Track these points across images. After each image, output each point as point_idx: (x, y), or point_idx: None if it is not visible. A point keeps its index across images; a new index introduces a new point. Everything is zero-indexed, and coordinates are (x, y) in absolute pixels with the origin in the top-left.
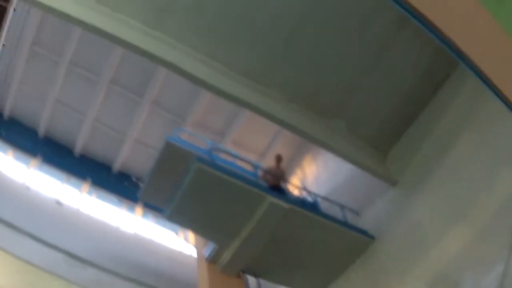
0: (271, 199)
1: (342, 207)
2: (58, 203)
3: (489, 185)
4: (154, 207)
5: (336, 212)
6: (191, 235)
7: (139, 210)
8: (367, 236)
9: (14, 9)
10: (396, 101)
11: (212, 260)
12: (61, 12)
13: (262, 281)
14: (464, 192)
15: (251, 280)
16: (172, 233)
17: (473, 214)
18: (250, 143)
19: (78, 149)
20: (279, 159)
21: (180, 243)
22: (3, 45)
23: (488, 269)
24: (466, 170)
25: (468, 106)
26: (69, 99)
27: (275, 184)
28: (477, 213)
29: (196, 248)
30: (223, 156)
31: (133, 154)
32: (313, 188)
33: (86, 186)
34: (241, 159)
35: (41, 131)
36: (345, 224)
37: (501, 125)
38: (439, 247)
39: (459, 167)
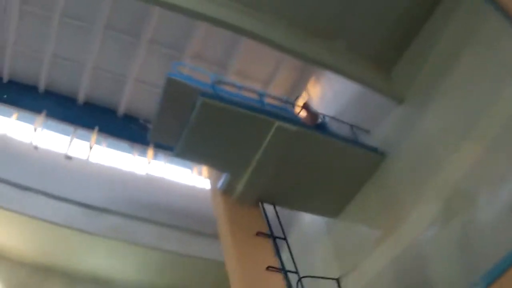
0: (278, 123)
1: (351, 126)
2: (68, 157)
3: (496, 96)
4: (165, 147)
5: (345, 132)
6: (204, 170)
7: (150, 152)
8: (378, 153)
9: None
10: (395, 17)
11: (227, 191)
12: None
13: (279, 209)
14: (472, 104)
15: (269, 208)
16: (187, 170)
17: (483, 125)
18: (253, 72)
19: (81, 98)
20: (306, 107)
21: (195, 179)
22: None
23: (503, 181)
24: (472, 82)
25: (470, 17)
26: (66, 51)
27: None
28: (487, 124)
29: (210, 180)
30: (227, 87)
31: (136, 95)
32: (320, 109)
33: (94, 136)
34: (245, 89)
35: (42, 87)
36: (355, 142)
37: (505, 34)
38: (452, 162)
39: (465, 80)
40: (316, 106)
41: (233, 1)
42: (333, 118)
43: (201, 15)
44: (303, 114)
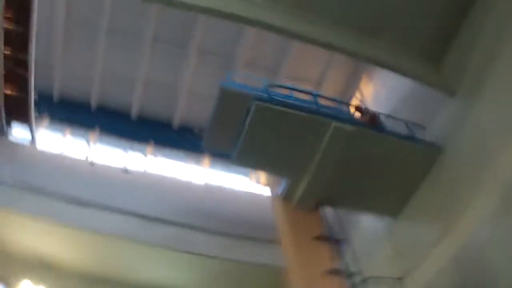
0: (335, 124)
1: (406, 122)
2: (125, 170)
3: None
4: (221, 155)
5: (401, 129)
6: (262, 176)
7: (206, 161)
8: (435, 148)
9: None
10: (440, 8)
11: (286, 197)
12: None
13: (339, 211)
14: None
15: (329, 211)
16: (244, 177)
17: None
18: (304, 74)
19: (134, 112)
20: (359, 109)
21: (253, 186)
22: (37, 30)
23: None
24: None
25: None
26: (115, 66)
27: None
28: None
29: (269, 187)
30: (280, 91)
31: (190, 106)
32: (374, 108)
33: (150, 148)
34: (298, 91)
35: (94, 103)
36: (411, 138)
37: None
38: (509, 154)
39: None
40: (370, 104)
41: (278, 3)
42: (388, 115)
43: (247, 19)
44: (359, 115)
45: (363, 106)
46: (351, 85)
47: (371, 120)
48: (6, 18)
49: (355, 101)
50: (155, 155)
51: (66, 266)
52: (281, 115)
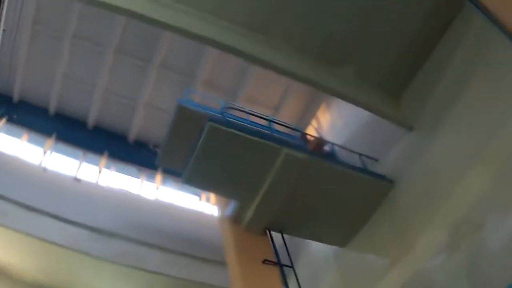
0: (287, 150)
1: (360, 154)
2: (77, 179)
3: (505, 125)
4: (174, 173)
5: (354, 160)
6: (213, 196)
7: (159, 177)
8: (387, 181)
9: None
10: (404, 44)
11: (235, 219)
12: None
13: (287, 237)
14: (480, 132)
15: (276, 236)
16: (195, 197)
17: (491, 153)
18: (262, 98)
19: (91, 122)
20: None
21: (203, 206)
22: (4, 30)
23: (511, 208)
24: (480, 110)
25: (478, 44)
26: (77, 73)
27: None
28: (494, 152)
29: (218, 208)
30: (237, 114)
31: (147, 121)
32: (329, 137)
33: (103, 160)
34: (254, 115)
35: (52, 109)
36: (363, 170)
37: None
38: (459, 189)
39: (474, 106)
40: (326, 134)
41: (243, 27)
42: (341, 147)
43: (211, 40)
44: (310, 140)
45: (311, 134)
46: (309, 112)
47: (317, 147)
48: None
49: (310, 129)
50: (108, 167)
51: (14, 273)
52: (234, 137)
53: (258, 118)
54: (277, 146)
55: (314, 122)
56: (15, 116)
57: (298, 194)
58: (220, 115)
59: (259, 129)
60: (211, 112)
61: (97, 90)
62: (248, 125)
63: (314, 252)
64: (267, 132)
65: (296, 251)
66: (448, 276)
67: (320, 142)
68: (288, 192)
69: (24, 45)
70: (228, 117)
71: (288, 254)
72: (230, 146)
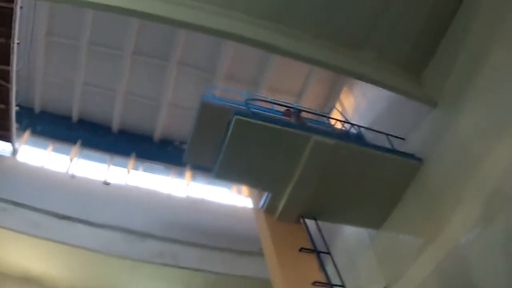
0: (316, 137)
1: (387, 134)
2: (106, 183)
3: None
4: (203, 168)
5: (381, 141)
6: (244, 188)
7: (188, 174)
8: (416, 159)
9: (21, 7)
10: (421, 21)
11: (268, 209)
12: None
13: (321, 223)
14: (505, 101)
15: (311, 223)
16: (226, 190)
17: None
18: (284, 86)
19: (115, 125)
20: (288, 114)
21: (235, 199)
22: (18, 43)
23: None
24: (503, 78)
25: (495, 10)
26: (96, 79)
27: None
28: None
29: (251, 200)
30: (261, 104)
31: (171, 119)
32: (355, 120)
33: (131, 161)
34: (279, 104)
35: (75, 116)
36: (392, 150)
37: None
38: (489, 162)
39: (496, 76)
40: (351, 117)
41: (260, 18)
42: (367, 128)
43: (229, 34)
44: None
45: (291, 107)
46: (332, 97)
47: (298, 119)
48: None
49: (335, 113)
50: (136, 168)
51: (51, 282)
52: (261, 128)
53: (283, 107)
54: (305, 134)
55: (338, 106)
56: (38, 128)
57: (329, 179)
58: (245, 107)
59: (286, 118)
60: (236, 105)
61: (118, 94)
62: (274, 115)
63: (349, 236)
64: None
65: (331, 237)
66: (484, 250)
67: (299, 114)
68: (319, 179)
69: (40, 57)
70: (253, 109)
71: (324, 240)
72: (257, 137)
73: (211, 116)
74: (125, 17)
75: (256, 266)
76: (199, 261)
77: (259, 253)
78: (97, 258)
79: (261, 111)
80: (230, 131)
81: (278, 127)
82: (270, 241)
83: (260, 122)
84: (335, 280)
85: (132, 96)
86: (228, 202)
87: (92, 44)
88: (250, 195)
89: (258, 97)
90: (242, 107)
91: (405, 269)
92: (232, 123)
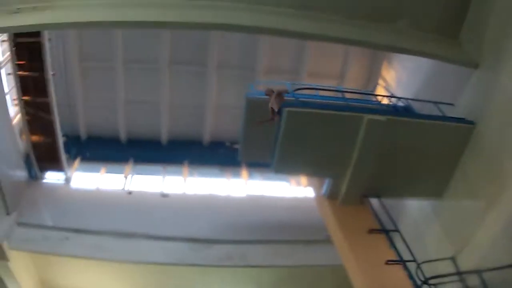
0: (368, 116)
1: (434, 102)
2: (163, 195)
3: None
4: (258, 164)
5: (429, 110)
6: (303, 179)
7: (244, 172)
8: (467, 123)
9: (49, 39)
10: None
11: (331, 195)
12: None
13: (384, 201)
14: None
15: (374, 202)
16: (285, 183)
17: None
18: (324, 70)
19: (164, 137)
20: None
21: (294, 190)
22: (53, 74)
23: None
24: None
25: None
26: (137, 96)
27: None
28: None
29: (312, 188)
30: (305, 92)
31: (218, 121)
32: (399, 93)
33: (185, 169)
34: (323, 89)
35: (123, 136)
36: (443, 117)
37: None
38: None
39: None
40: (395, 90)
41: (290, 8)
42: (414, 99)
43: (262, 29)
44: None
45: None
46: (373, 74)
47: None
48: (19, 65)
49: (380, 90)
50: (191, 175)
51: None
52: (313, 117)
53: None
54: (357, 115)
55: (381, 82)
56: (87, 153)
57: (386, 156)
58: (292, 98)
59: (334, 102)
60: None
61: (162, 106)
62: (322, 101)
63: (412, 210)
64: (343, 103)
65: (395, 214)
66: None
67: (279, 93)
68: (376, 157)
69: (77, 84)
70: (301, 98)
71: (391, 218)
72: (310, 125)
73: (259, 112)
74: (155, 30)
75: (324, 254)
76: (268, 257)
77: (326, 241)
78: (166, 271)
79: (308, 99)
80: (282, 124)
81: (329, 112)
82: (337, 226)
83: (310, 110)
84: (405, 256)
85: (176, 106)
86: (288, 195)
87: (127, 62)
88: (311, 184)
89: (302, 86)
90: (289, 98)
91: (471, 235)
92: (284, 116)
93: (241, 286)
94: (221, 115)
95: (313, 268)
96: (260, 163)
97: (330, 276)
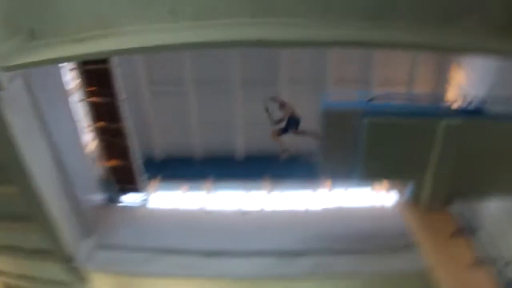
0: (445, 121)
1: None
2: (243, 213)
3: None
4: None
5: (503, 108)
6: (383, 186)
7: (324, 183)
8: None
9: (118, 64)
10: None
11: (413, 200)
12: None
13: (467, 202)
14: None
15: (457, 205)
16: (364, 190)
17: None
18: (393, 76)
19: (239, 154)
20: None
21: (376, 198)
22: (124, 99)
23: None
24: None
25: None
26: (210, 117)
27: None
28: None
29: (394, 195)
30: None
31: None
32: (471, 93)
33: (265, 184)
34: (397, 97)
35: (198, 154)
36: None
37: None
38: None
39: None
40: (466, 91)
41: (351, 19)
42: (487, 99)
43: (335, 42)
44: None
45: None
46: (442, 76)
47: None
48: (89, 92)
49: (451, 92)
50: (269, 191)
51: None
52: (392, 125)
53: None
54: (435, 120)
55: (451, 84)
56: (164, 173)
57: (465, 158)
58: (370, 108)
59: (410, 109)
60: (357, 107)
61: (237, 124)
62: (399, 109)
63: (495, 210)
64: (419, 109)
65: (479, 214)
66: None
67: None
68: (456, 159)
69: (149, 107)
70: (378, 107)
71: (473, 220)
72: (390, 133)
73: (336, 122)
74: (222, 50)
75: (409, 259)
76: (354, 266)
77: (410, 246)
78: (257, 285)
79: (383, 107)
80: (365, 134)
81: (407, 119)
82: (421, 231)
83: (390, 118)
84: (491, 257)
85: (251, 125)
86: (370, 203)
87: (198, 83)
88: (392, 190)
89: (377, 95)
90: (366, 107)
91: None
92: (365, 126)
93: None
94: None
95: (399, 275)
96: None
97: (416, 282)
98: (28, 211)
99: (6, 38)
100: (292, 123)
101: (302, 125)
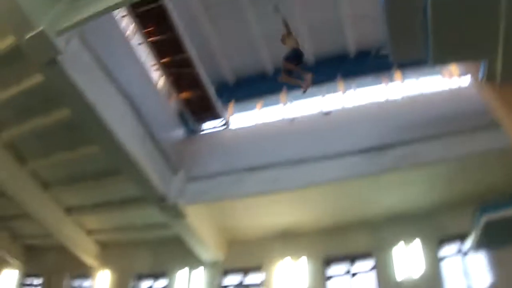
0: None
1: None
2: (326, 113)
3: None
4: (408, 64)
5: None
6: (455, 68)
7: (397, 74)
8: None
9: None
10: None
11: (489, 78)
12: None
13: None
14: None
15: None
16: (437, 77)
17: None
18: None
19: (310, 59)
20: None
21: (450, 82)
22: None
23: None
24: None
25: None
26: (272, 28)
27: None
28: None
29: (470, 75)
30: None
31: (358, 31)
32: None
33: (340, 83)
34: None
35: (269, 68)
36: None
37: None
38: None
39: None
40: None
41: None
42: None
43: None
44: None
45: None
46: None
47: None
48: (148, 32)
49: None
50: (347, 89)
51: (304, 229)
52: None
53: None
54: None
55: None
56: (239, 94)
57: None
58: None
59: None
60: None
61: (303, 31)
62: None
63: None
64: None
65: None
66: None
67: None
68: None
69: (210, 33)
70: None
71: None
72: (454, 7)
73: (400, 5)
74: None
75: (492, 138)
76: (439, 151)
77: (491, 125)
78: (341, 188)
79: None
80: (430, 13)
81: None
82: (501, 108)
83: None
84: None
85: (313, 27)
86: (445, 87)
87: None
88: (467, 72)
89: None
90: None
91: None
92: (430, 4)
93: (416, 187)
94: (359, 25)
95: (482, 154)
96: (411, 63)
97: (500, 160)
98: (113, 165)
99: (52, 5)
100: (295, 57)
101: None
